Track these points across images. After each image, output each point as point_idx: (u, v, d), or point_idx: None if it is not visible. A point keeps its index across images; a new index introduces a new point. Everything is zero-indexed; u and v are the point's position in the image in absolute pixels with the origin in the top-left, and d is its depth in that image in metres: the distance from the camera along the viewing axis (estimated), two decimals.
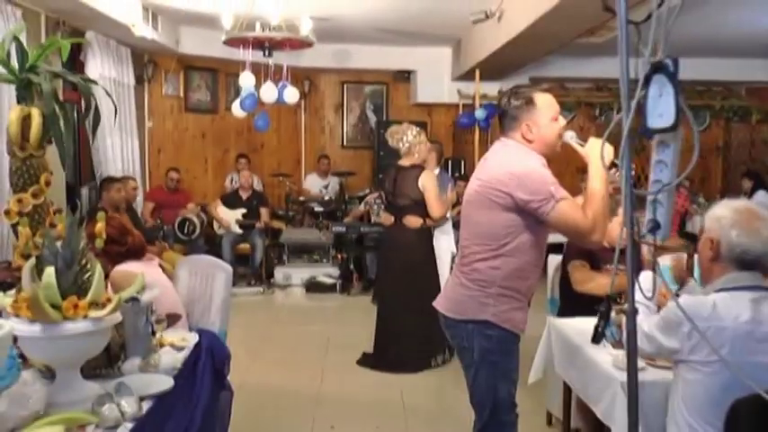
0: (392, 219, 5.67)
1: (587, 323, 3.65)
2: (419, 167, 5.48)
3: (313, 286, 8.31)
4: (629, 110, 1.97)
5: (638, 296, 2.02)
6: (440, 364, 5.61)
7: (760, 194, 9.81)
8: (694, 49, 9.71)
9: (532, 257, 2.91)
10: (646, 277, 2.51)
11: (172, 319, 3.31)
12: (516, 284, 2.89)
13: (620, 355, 3.07)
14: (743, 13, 8.06)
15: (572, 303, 4.08)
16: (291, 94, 7.32)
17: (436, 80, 10.67)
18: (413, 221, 5.51)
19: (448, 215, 5.94)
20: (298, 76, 8.08)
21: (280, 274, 8.49)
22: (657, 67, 1.93)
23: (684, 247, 4.59)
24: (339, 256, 8.57)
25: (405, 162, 5.55)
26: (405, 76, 11.13)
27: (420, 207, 5.45)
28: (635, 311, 2.00)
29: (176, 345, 2.90)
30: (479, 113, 9.44)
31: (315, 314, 7.67)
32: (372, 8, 7.75)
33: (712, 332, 2.33)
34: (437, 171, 6.18)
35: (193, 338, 3.02)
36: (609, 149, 2.69)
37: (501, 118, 2.98)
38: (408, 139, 5.48)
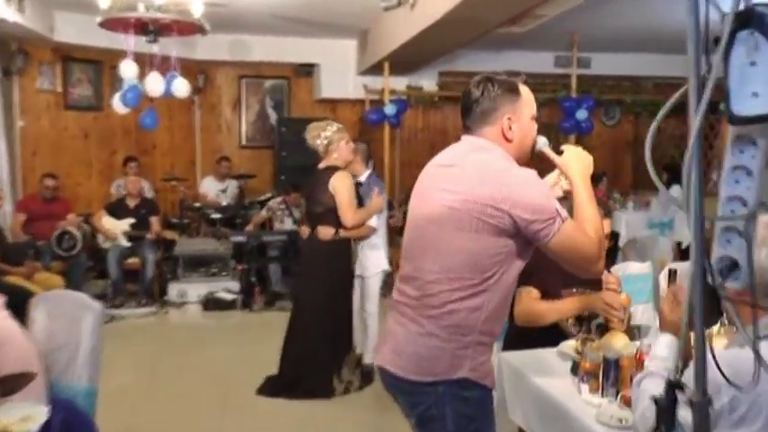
0: (308, 230, 4.90)
1: (547, 357, 3.06)
2: (334, 168, 4.71)
3: (211, 303, 7.38)
4: (702, 90, 1.26)
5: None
6: (355, 389, 4.97)
7: (675, 189, 9.54)
8: (604, 44, 9.38)
9: (511, 291, 2.28)
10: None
11: (20, 381, 2.42)
12: (494, 327, 2.27)
13: (606, 405, 2.43)
14: (653, 7, 7.85)
15: (519, 332, 3.39)
16: (181, 86, 6.39)
17: (341, 74, 9.92)
18: (324, 232, 4.75)
19: (374, 223, 5.16)
20: (191, 69, 7.17)
21: (174, 290, 7.52)
22: (747, 18, 1.22)
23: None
24: (239, 268, 7.68)
25: (322, 164, 4.79)
26: (307, 70, 10.32)
27: (334, 215, 4.70)
28: (705, 397, 1.30)
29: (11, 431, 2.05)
30: (389, 109, 8.75)
31: (214, 335, 6.77)
32: None
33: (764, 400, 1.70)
34: (365, 174, 5.39)
35: (41, 416, 2.17)
36: (588, 159, 2.38)
37: (467, 111, 2.34)
38: (326, 136, 4.70)
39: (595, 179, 10.05)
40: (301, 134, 9.28)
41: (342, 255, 4.88)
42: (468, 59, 9.98)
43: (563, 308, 3.13)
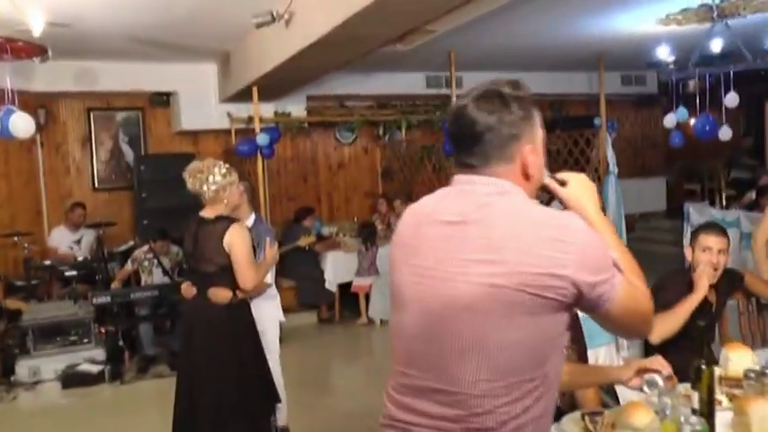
0: (193, 290, 3.92)
1: None
2: (227, 220, 3.81)
3: (73, 379, 6.13)
4: None
5: None
6: None
7: (554, 205, 9.20)
8: (474, 64, 8.98)
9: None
10: None
11: None
12: None
13: None
14: (521, 27, 7.73)
15: None
16: (21, 123, 5.17)
17: (201, 102, 8.94)
18: (219, 295, 3.83)
19: (269, 280, 4.29)
20: (28, 102, 5.98)
21: (24, 368, 6.19)
22: None
23: None
24: (103, 331, 6.51)
25: (208, 213, 3.86)
26: (164, 99, 9.24)
27: (229, 274, 3.81)
28: None
29: None
30: (262, 139, 7.86)
31: (80, 418, 5.59)
32: (125, 6, 5.85)
33: None
34: (251, 219, 4.50)
35: None
36: (594, 188, 1.87)
37: (470, 143, 1.64)
38: (215, 180, 3.79)
39: None
40: (164, 172, 8.39)
41: (243, 315, 3.99)
42: (338, 82, 9.31)
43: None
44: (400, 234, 1.75)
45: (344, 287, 8.05)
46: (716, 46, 6.86)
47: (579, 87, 11.20)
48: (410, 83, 10.08)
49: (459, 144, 1.67)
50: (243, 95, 8.21)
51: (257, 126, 8.00)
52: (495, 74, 9.46)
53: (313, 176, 10.40)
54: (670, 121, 7.56)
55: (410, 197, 8.70)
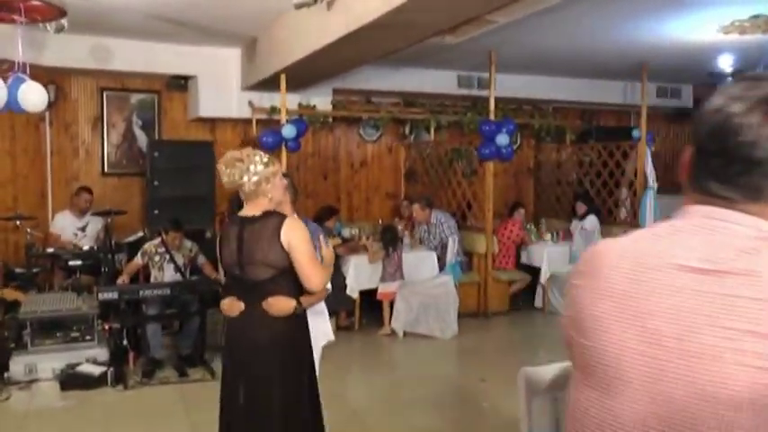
0: (241, 305, 3.28)
1: None
2: (277, 215, 3.23)
3: (72, 379, 5.53)
4: None
5: None
6: None
7: (591, 219, 8.69)
8: (507, 65, 8.41)
9: None
10: None
11: None
12: None
13: None
14: (568, 29, 7.13)
15: None
16: (32, 94, 4.59)
17: (222, 89, 8.34)
18: (281, 305, 3.21)
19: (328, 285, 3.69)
20: (39, 77, 5.36)
21: (20, 365, 5.59)
22: None
23: None
24: (107, 328, 5.92)
25: (251, 209, 3.26)
26: (181, 83, 8.65)
27: (288, 279, 3.21)
28: None
29: None
30: (288, 130, 7.29)
31: (77, 425, 5.00)
32: None
33: None
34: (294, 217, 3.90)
35: None
36: None
37: (733, 164, 1.11)
38: (257, 170, 3.19)
39: (511, 209, 9.16)
40: (178, 160, 7.81)
41: (304, 327, 3.38)
42: (365, 76, 8.73)
43: None
44: (608, 279, 1.16)
45: (365, 294, 7.45)
46: None
47: (613, 97, 10.62)
48: (440, 81, 9.51)
49: (713, 164, 1.12)
50: (267, 84, 7.65)
51: (283, 117, 7.43)
52: (529, 77, 9.02)
53: (333, 174, 9.82)
54: None
55: (430, 203, 8.12)
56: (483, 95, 9.44)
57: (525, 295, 8.63)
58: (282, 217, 3.20)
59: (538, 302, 8.57)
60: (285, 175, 3.65)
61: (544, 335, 7.84)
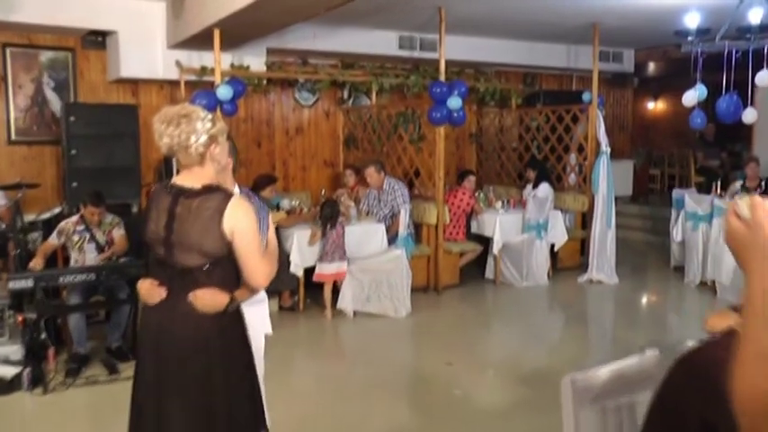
0: (163, 292, 2.58)
1: None
2: (220, 192, 2.53)
3: None
4: None
5: None
6: None
7: (543, 187, 8.22)
8: (450, 27, 7.79)
9: None
10: None
11: None
12: None
13: None
14: None
15: None
16: None
17: (145, 47, 7.42)
18: (211, 300, 2.54)
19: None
20: None
21: None
22: None
23: None
24: (21, 320, 5.04)
25: (190, 180, 2.55)
26: (99, 40, 7.67)
27: (223, 269, 2.55)
28: None
29: None
30: (224, 92, 6.48)
31: None
32: None
33: None
34: (237, 191, 3.15)
35: None
36: None
37: None
38: (206, 129, 2.49)
39: (460, 176, 8.59)
40: (98, 125, 6.87)
41: (237, 325, 2.69)
42: (301, 35, 7.96)
43: None
44: None
45: (311, 271, 6.74)
46: (754, 17, 5.86)
47: (556, 60, 10.16)
48: (380, 42, 8.81)
49: None
50: (196, 41, 6.81)
51: (218, 77, 6.60)
52: (472, 39, 8.40)
53: (268, 141, 9.02)
54: (690, 99, 6.56)
55: (383, 167, 7.49)
56: (425, 57, 8.83)
57: (474, 266, 8.12)
58: (227, 196, 2.50)
59: (488, 273, 8.07)
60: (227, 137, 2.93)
61: (500, 308, 7.38)
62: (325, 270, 6.53)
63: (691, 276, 7.95)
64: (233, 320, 2.65)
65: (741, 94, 6.53)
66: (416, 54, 8.95)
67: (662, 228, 10.61)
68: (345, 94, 9.32)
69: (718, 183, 8.22)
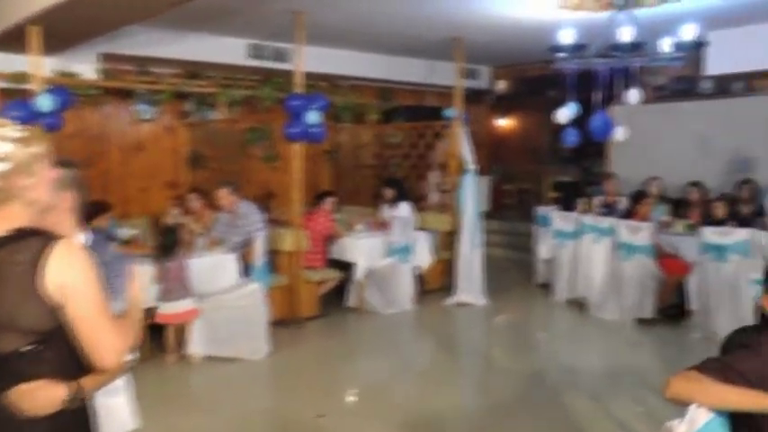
0: None
1: None
2: (39, 237, 1.70)
3: None
4: None
5: None
6: None
7: (403, 207, 7.71)
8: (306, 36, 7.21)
9: None
10: None
11: None
12: None
13: None
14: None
15: None
16: None
17: None
18: (46, 395, 1.71)
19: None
20: None
21: None
22: None
23: None
24: None
25: None
26: None
27: (56, 351, 1.73)
28: None
29: None
30: (44, 102, 5.44)
31: None
32: None
33: None
34: (83, 237, 2.26)
35: None
36: None
37: None
38: (6, 153, 1.67)
39: (318, 197, 7.86)
40: None
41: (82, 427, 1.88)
42: (139, 40, 7.06)
43: None
44: None
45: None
46: (626, 35, 5.63)
47: (413, 75, 9.77)
48: (229, 50, 8.02)
49: None
50: (8, 41, 5.74)
51: (37, 85, 5.53)
52: (326, 51, 7.72)
53: (101, 159, 7.90)
54: (563, 116, 6.27)
55: (238, 189, 6.65)
56: (277, 68, 8.11)
57: (334, 294, 7.43)
58: (47, 240, 1.69)
59: (351, 301, 7.42)
60: (64, 164, 2.09)
61: (368, 339, 6.72)
62: (169, 310, 5.58)
63: (559, 294, 7.76)
64: (76, 422, 1.83)
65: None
66: (268, 64, 8.23)
67: (520, 243, 10.49)
68: (190, 107, 8.39)
69: (583, 200, 8.11)
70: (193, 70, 8.14)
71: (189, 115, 8.42)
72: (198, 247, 6.10)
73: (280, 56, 8.26)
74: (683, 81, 8.70)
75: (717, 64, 8.21)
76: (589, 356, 6.22)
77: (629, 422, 4.48)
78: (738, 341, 2.24)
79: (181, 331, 5.70)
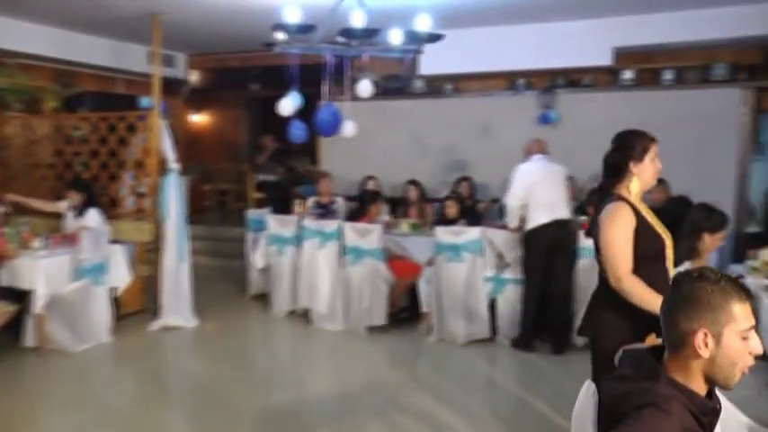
0: None
1: None
2: None
3: None
4: None
5: None
6: None
7: (93, 214, 6.30)
8: None
9: None
10: None
11: None
12: None
13: None
14: None
15: None
16: None
17: None
18: None
19: None
20: None
21: None
22: None
23: None
24: None
25: None
26: None
27: None
28: None
29: None
30: None
31: None
32: None
33: None
34: None
35: None
36: None
37: None
38: None
39: None
40: None
41: None
42: None
43: None
44: None
45: None
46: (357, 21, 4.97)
47: (100, 58, 8.25)
48: None
49: None
50: None
51: None
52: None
53: None
54: (287, 107, 5.43)
55: None
56: None
57: (5, 332, 5.72)
58: None
59: (29, 340, 5.78)
60: None
61: (56, 389, 5.12)
62: None
63: (278, 306, 6.96)
64: None
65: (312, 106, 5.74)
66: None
67: (225, 250, 9.52)
68: None
69: (297, 201, 7.44)
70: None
71: None
72: None
73: None
74: (396, 79, 8.44)
75: (428, 64, 8.08)
76: (322, 377, 5.49)
77: None
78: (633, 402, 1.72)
79: None
